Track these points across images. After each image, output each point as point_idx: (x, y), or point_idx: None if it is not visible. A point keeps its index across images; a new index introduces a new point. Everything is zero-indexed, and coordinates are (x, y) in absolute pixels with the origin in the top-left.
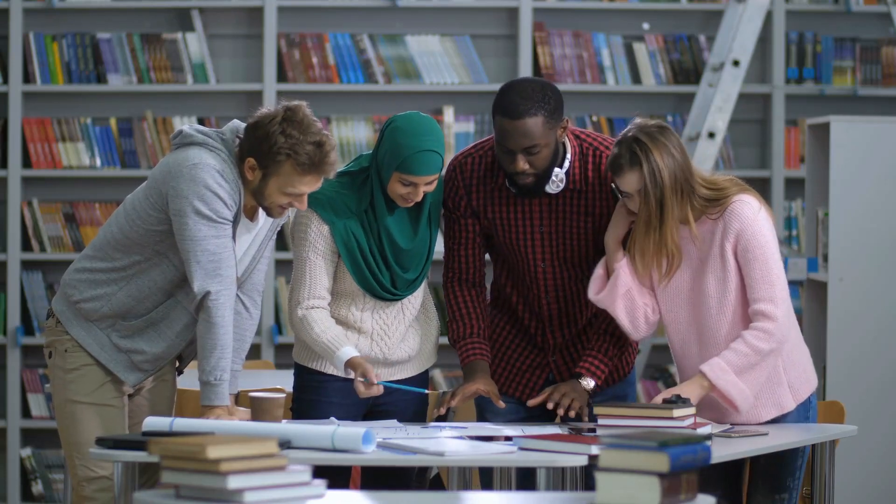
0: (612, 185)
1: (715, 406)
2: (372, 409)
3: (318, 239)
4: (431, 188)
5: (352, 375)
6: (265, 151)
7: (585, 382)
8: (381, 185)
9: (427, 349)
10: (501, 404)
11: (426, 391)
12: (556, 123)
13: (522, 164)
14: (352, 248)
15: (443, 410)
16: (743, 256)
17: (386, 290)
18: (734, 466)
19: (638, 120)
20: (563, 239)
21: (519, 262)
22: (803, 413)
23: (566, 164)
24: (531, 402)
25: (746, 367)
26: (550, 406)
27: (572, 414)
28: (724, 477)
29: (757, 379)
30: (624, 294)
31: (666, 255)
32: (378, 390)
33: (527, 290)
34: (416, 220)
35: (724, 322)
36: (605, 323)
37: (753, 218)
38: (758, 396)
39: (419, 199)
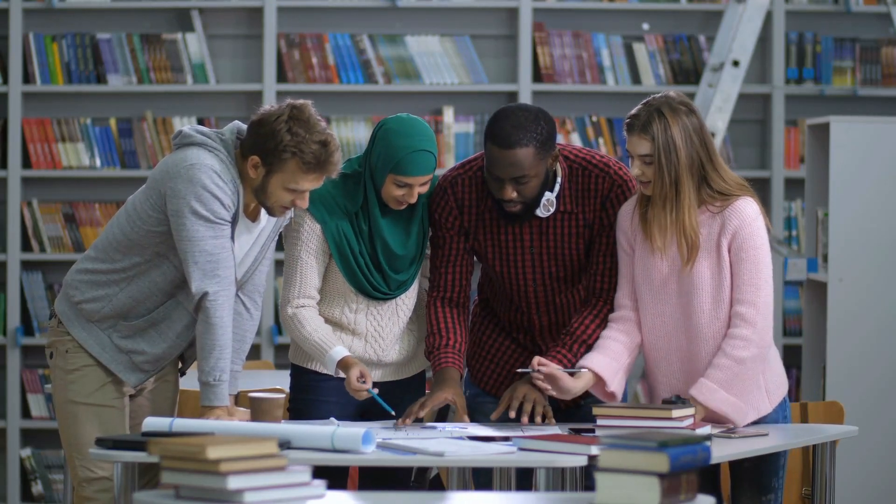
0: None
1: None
2: (368, 409)
3: (311, 238)
4: (425, 189)
5: (342, 375)
6: (270, 149)
7: None
8: (374, 190)
9: (422, 351)
10: (466, 419)
11: (393, 412)
12: (546, 154)
13: (511, 193)
14: (343, 248)
15: (409, 422)
16: (735, 255)
17: (377, 290)
18: (711, 469)
19: (672, 93)
20: (555, 259)
21: (509, 282)
22: (781, 414)
23: (556, 187)
24: (493, 416)
25: (732, 379)
26: (512, 415)
27: (538, 421)
28: (702, 480)
29: (745, 388)
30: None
31: (685, 240)
32: (366, 394)
33: (516, 306)
34: (408, 223)
35: (718, 318)
36: (578, 325)
37: (754, 218)
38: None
39: (413, 200)
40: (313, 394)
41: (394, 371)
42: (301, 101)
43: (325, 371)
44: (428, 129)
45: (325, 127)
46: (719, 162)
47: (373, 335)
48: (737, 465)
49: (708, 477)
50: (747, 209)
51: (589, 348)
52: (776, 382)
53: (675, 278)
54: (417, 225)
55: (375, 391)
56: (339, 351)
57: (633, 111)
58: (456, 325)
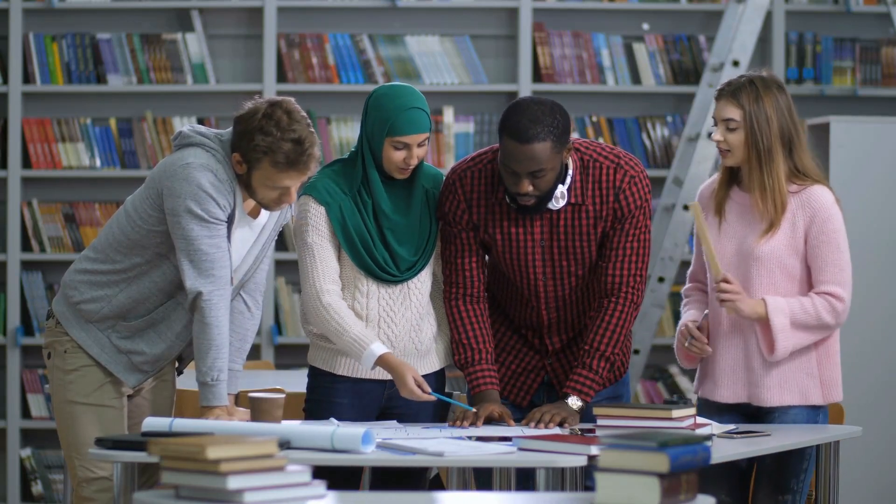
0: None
1: (748, 382)
2: (385, 412)
3: (320, 220)
4: (423, 151)
5: (366, 375)
6: (245, 148)
7: (572, 402)
8: (374, 161)
9: (442, 346)
10: (513, 423)
11: (469, 406)
12: (562, 147)
13: (527, 187)
14: (347, 228)
15: (467, 424)
16: (816, 239)
17: (384, 269)
18: (739, 466)
19: (766, 72)
20: (566, 252)
21: (519, 275)
22: (824, 418)
23: (568, 179)
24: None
25: (801, 325)
26: (532, 426)
27: (552, 425)
28: (728, 476)
29: (800, 342)
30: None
31: (779, 205)
32: (430, 396)
33: (525, 301)
34: (409, 195)
35: (779, 292)
36: (594, 336)
37: (831, 203)
38: (786, 380)
39: (414, 162)
40: (327, 395)
41: (415, 365)
42: (280, 98)
43: (339, 372)
44: (416, 90)
45: (307, 125)
46: (805, 143)
47: (385, 320)
48: (760, 462)
49: (727, 473)
50: (825, 195)
51: (608, 360)
52: (834, 382)
53: (736, 256)
54: (418, 199)
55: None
56: (380, 347)
57: (726, 80)
58: (483, 330)
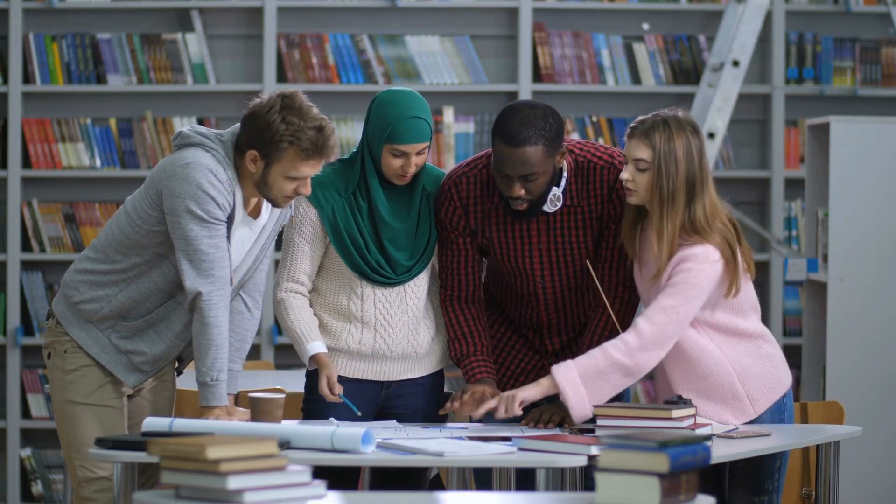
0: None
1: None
2: (382, 411)
3: (305, 222)
4: (422, 159)
5: (363, 375)
6: (266, 140)
7: None
8: (373, 165)
9: (438, 348)
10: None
11: (359, 413)
12: (555, 151)
13: (519, 190)
14: (338, 229)
15: (456, 405)
16: (668, 282)
17: (378, 272)
18: (715, 469)
19: (681, 113)
20: (563, 254)
21: (518, 277)
22: (777, 416)
23: (563, 182)
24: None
25: (595, 372)
26: (532, 426)
27: (551, 425)
28: (705, 480)
29: (603, 388)
30: None
31: (665, 249)
32: (337, 398)
33: (525, 302)
34: (408, 200)
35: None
36: (591, 336)
37: (702, 260)
38: (713, 410)
39: (412, 170)
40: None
41: (408, 367)
42: (291, 90)
43: (338, 372)
44: (420, 99)
45: (318, 112)
46: (711, 192)
47: (381, 324)
48: (733, 465)
49: (712, 477)
50: (699, 251)
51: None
52: (763, 388)
53: (644, 292)
54: (417, 203)
55: (341, 391)
56: (316, 346)
57: (639, 118)
58: (476, 326)
